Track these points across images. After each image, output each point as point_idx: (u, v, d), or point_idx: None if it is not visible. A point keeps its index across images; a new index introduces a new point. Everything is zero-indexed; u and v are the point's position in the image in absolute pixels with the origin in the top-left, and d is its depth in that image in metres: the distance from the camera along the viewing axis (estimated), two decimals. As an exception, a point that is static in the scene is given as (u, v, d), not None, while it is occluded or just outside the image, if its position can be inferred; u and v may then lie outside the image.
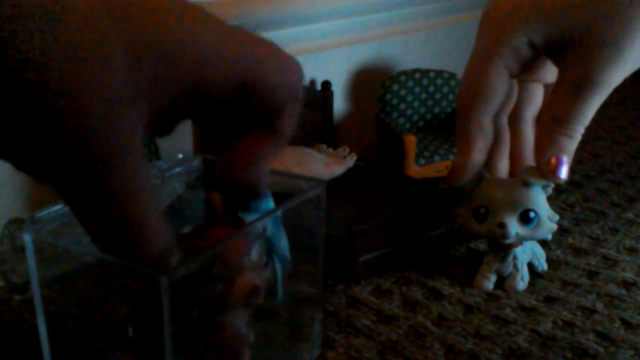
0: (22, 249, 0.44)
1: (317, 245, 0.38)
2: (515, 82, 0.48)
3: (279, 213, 0.33)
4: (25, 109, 0.21)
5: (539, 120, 0.48)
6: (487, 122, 0.45)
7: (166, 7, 0.24)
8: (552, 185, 0.48)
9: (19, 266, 0.45)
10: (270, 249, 0.33)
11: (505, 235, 0.47)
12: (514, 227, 0.47)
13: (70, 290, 0.33)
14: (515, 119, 0.49)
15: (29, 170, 0.23)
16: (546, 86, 0.49)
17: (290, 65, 0.28)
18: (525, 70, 0.45)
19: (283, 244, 0.34)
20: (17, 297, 0.45)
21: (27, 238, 0.29)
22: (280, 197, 0.33)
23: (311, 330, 0.41)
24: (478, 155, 0.45)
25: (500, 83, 0.43)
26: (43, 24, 0.21)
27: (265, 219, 0.32)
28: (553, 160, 0.43)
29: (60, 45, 0.21)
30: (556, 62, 0.43)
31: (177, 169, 0.42)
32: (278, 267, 0.34)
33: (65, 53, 0.21)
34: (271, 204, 0.32)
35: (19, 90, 0.21)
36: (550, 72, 0.46)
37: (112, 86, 0.22)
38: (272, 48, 0.28)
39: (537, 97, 0.49)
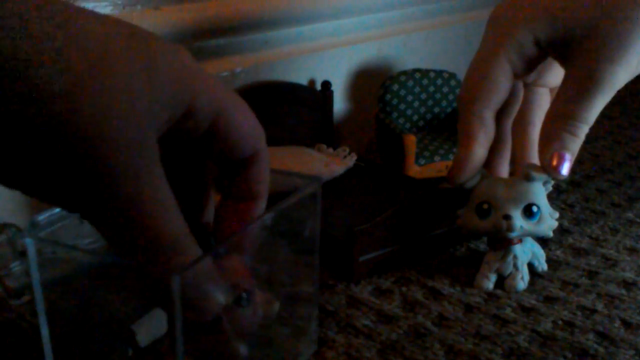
0: (21, 253, 0.44)
1: (313, 242, 0.39)
2: (521, 86, 0.48)
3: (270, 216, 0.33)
4: (52, 128, 0.21)
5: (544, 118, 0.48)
6: (488, 116, 0.45)
7: (163, 41, 0.25)
8: (552, 182, 0.48)
9: (15, 271, 0.44)
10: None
11: (511, 227, 0.47)
12: (519, 220, 0.47)
13: (72, 292, 0.33)
14: (521, 123, 0.49)
15: (50, 198, 0.24)
16: (553, 91, 0.49)
17: (257, 123, 0.30)
18: (530, 70, 0.45)
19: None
20: (13, 302, 0.45)
21: (29, 242, 0.29)
22: (276, 197, 0.33)
23: (308, 327, 0.41)
24: (479, 150, 0.45)
25: (503, 78, 0.43)
26: (55, 48, 0.21)
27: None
28: (555, 157, 0.43)
29: (82, 63, 0.21)
30: (561, 61, 0.43)
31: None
32: None
33: (89, 70, 0.21)
34: None
35: (42, 110, 0.21)
36: (557, 78, 0.46)
37: (136, 103, 0.23)
38: (241, 102, 0.29)
39: (544, 102, 0.49)
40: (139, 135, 0.23)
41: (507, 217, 0.47)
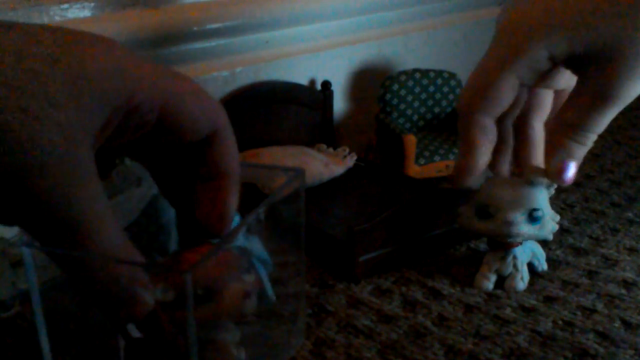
0: (16, 264, 0.44)
1: (299, 236, 0.39)
2: (525, 89, 0.48)
3: (254, 217, 0.33)
4: None
5: (549, 124, 0.48)
6: (490, 124, 0.44)
7: (92, 41, 0.25)
8: (555, 185, 0.48)
9: (3, 282, 0.44)
10: (247, 255, 0.33)
11: (512, 233, 0.47)
12: (521, 225, 0.47)
13: (68, 293, 0.33)
14: (523, 124, 0.49)
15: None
16: (556, 92, 0.49)
17: (211, 102, 0.29)
18: (540, 81, 0.44)
19: (259, 247, 0.34)
20: (2, 314, 0.44)
21: (25, 250, 0.29)
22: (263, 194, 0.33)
23: (296, 319, 0.41)
24: (482, 157, 0.45)
25: (509, 92, 0.43)
26: None
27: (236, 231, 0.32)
28: (561, 165, 0.43)
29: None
30: (576, 73, 0.43)
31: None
32: (261, 271, 0.34)
33: (6, 96, 0.22)
34: (237, 218, 0.33)
35: None
36: (562, 79, 0.46)
37: (57, 120, 0.23)
38: (190, 84, 0.28)
39: (546, 104, 0.49)
40: (67, 155, 0.23)
41: (510, 223, 0.47)
